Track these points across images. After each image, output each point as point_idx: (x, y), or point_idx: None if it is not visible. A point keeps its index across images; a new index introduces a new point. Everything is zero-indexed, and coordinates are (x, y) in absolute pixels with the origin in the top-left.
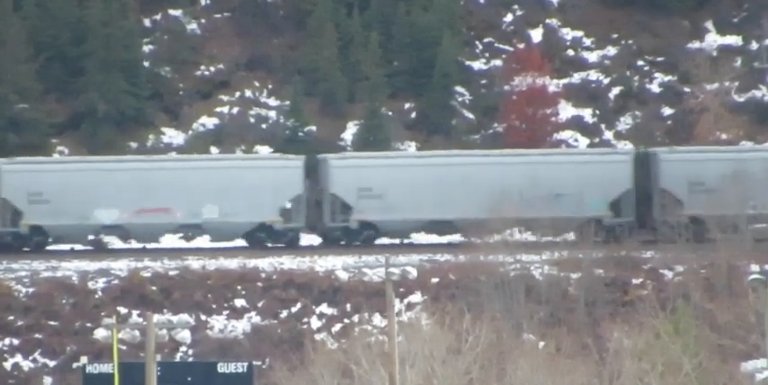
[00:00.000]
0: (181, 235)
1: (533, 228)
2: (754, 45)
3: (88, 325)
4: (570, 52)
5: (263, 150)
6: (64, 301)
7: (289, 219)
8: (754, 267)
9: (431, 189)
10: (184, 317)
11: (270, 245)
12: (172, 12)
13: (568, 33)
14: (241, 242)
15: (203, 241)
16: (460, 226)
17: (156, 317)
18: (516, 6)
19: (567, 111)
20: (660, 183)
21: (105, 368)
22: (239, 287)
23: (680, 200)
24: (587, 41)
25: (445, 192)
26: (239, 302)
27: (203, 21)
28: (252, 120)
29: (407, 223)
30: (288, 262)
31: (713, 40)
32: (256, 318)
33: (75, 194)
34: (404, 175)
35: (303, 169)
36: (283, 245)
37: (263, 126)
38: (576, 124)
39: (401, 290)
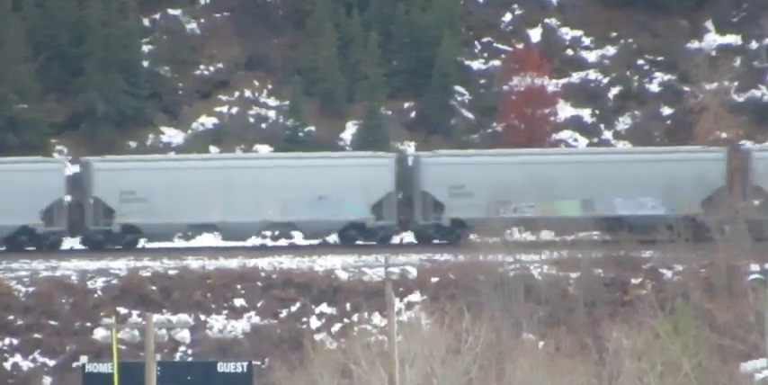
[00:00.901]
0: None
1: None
2: (754, 44)
3: (88, 324)
4: (569, 52)
5: (263, 150)
6: (63, 301)
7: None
8: (754, 267)
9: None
10: (184, 316)
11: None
12: (171, 11)
13: (567, 33)
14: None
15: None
16: None
17: (156, 317)
18: (515, 6)
19: (566, 110)
20: (422, 186)
21: (105, 368)
22: (239, 286)
23: (441, 203)
24: (586, 41)
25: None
26: (239, 302)
27: (203, 20)
28: (251, 119)
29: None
30: (287, 261)
31: (713, 39)
32: (256, 318)
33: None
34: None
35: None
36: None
37: (263, 126)
38: (575, 124)
39: (401, 289)
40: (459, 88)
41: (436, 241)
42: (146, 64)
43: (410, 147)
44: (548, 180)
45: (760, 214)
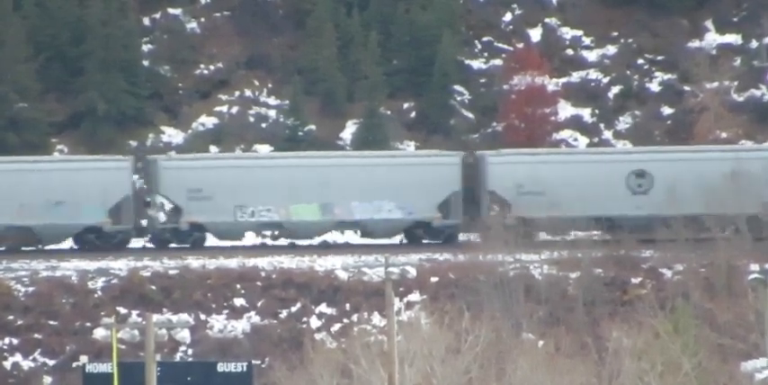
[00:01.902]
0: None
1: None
2: (754, 44)
3: (88, 324)
4: (569, 51)
5: (263, 150)
6: (63, 301)
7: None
8: (754, 267)
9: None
10: (184, 316)
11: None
12: (171, 11)
13: (568, 32)
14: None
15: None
16: None
17: (156, 317)
18: (515, 5)
19: (566, 110)
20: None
21: (105, 367)
22: (239, 286)
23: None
24: (586, 40)
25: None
26: (239, 302)
27: (203, 20)
28: (251, 119)
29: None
30: (287, 261)
31: (713, 39)
32: (256, 318)
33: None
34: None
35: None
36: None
37: (263, 125)
38: (576, 124)
39: (400, 289)
40: (459, 88)
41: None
42: (146, 63)
43: (410, 147)
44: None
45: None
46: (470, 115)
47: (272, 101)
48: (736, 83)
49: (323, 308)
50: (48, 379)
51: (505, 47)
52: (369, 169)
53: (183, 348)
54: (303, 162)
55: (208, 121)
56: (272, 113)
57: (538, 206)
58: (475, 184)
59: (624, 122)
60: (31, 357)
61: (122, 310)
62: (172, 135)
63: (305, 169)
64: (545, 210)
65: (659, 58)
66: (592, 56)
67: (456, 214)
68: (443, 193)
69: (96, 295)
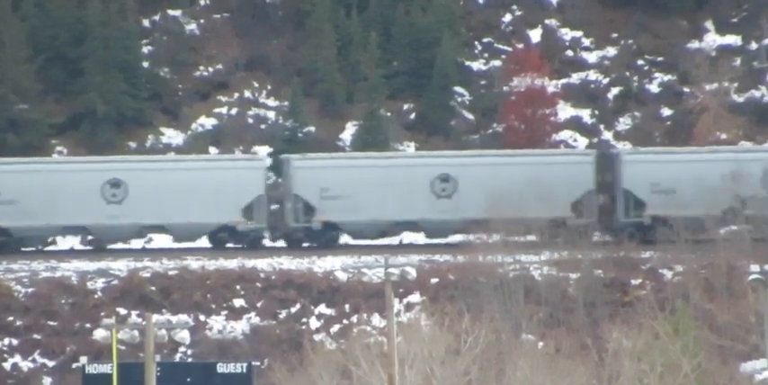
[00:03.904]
0: None
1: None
2: (754, 45)
3: (87, 325)
4: (569, 52)
5: (262, 151)
6: (63, 302)
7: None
8: (754, 267)
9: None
10: (183, 317)
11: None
12: (171, 12)
13: (567, 34)
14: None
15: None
16: None
17: (156, 318)
18: (515, 7)
19: (566, 111)
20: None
21: (104, 368)
22: (238, 287)
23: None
24: (586, 42)
25: None
26: (238, 302)
27: (202, 21)
28: (251, 120)
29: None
30: (287, 262)
31: (712, 40)
32: (255, 319)
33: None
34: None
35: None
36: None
37: (262, 126)
38: (575, 125)
39: (400, 290)
40: (459, 89)
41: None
42: (145, 65)
43: (410, 148)
44: None
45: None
46: (470, 116)
47: (272, 102)
48: (735, 84)
49: (322, 308)
50: (47, 379)
51: (505, 48)
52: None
53: (182, 349)
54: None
55: (207, 123)
56: (272, 115)
57: (343, 210)
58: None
59: (624, 123)
60: (30, 358)
61: (122, 311)
62: (171, 136)
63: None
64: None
65: (659, 59)
66: (591, 57)
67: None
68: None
69: (96, 296)
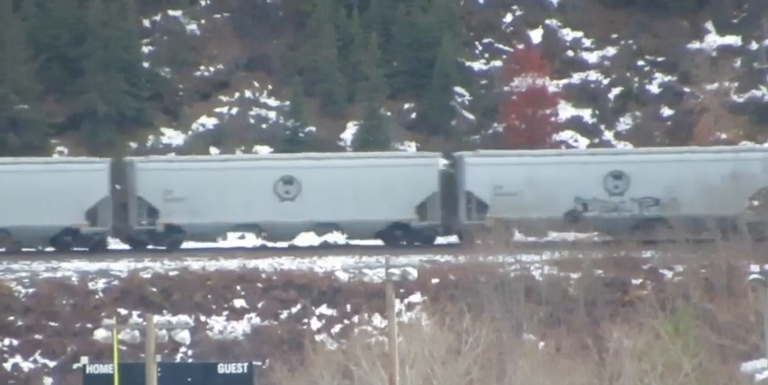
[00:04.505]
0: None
1: None
2: (754, 45)
3: (88, 325)
4: (570, 53)
5: (263, 151)
6: (64, 302)
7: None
8: (754, 267)
9: None
10: (184, 317)
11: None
12: (171, 12)
13: (568, 34)
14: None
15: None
16: None
17: (156, 318)
18: (516, 7)
19: (566, 111)
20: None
21: (105, 369)
22: (239, 288)
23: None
24: (587, 42)
25: None
26: (239, 303)
27: (203, 21)
28: (252, 120)
29: None
30: (287, 262)
31: (713, 40)
32: (256, 319)
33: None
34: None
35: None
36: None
37: (263, 126)
38: (576, 125)
39: (401, 290)
40: (459, 89)
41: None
42: (146, 65)
43: (411, 148)
44: None
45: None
46: (471, 116)
47: (273, 102)
48: (736, 84)
49: (323, 309)
50: (48, 380)
51: (506, 48)
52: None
53: (183, 349)
54: None
55: (208, 122)
56: (273, 114)
57: (186, 212)
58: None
59: (624, 123)
60: (31, 358)
61: (123, 311)
62: (172, 136)
63: None
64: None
65: (659, 59)
66: (592, 57)
67: (104, 221)
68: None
69: (97, 296)
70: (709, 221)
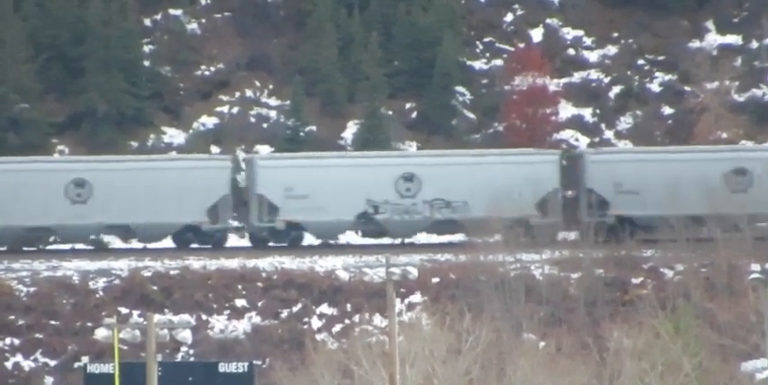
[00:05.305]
0: None
1: None
2: (755, 44)
3: (89, 325)
4: (570, 52)
5: (263, 150)
6: (65, 301)
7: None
8: (755, 266)
9: None
10: (185, 317)
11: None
12: (172, 12)
13: (569, 33)
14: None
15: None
16: None
17: (157, 317)
18: (517, 6)
19: (567, 110)
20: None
21: (106, 368)
22: (240, 287)
23: None
24: (587, 41)
25: None
26: (240, 302)
27: (203, 21)
28: (252, 119)
29: None
30: (288, 262)
31: (713, 39)
32: (257, 318)
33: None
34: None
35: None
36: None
37: (264, 126)
38: (577, 124)
39: (402, 290)
40: (460, 88)
41: None
42: (146, 64)
43: (411, 148)
44: None
45: None
46: (472, 116)
47: (273, 101)
48: (736, 83)
49: (324, 308)
50: (49, 379)
51: (507, 47)
52: None
53: (184, 348)
54: None
55: (208, 122)
56: (273, 114)
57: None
58: None
59: (625, 122)
60: (32, 357)
61: (124, 311)
62: (173, 135)
63: None
64: None
65: (660, 58)
66: (593, 56)
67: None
68: None
69: (97, 295)
70: (496, 223)
